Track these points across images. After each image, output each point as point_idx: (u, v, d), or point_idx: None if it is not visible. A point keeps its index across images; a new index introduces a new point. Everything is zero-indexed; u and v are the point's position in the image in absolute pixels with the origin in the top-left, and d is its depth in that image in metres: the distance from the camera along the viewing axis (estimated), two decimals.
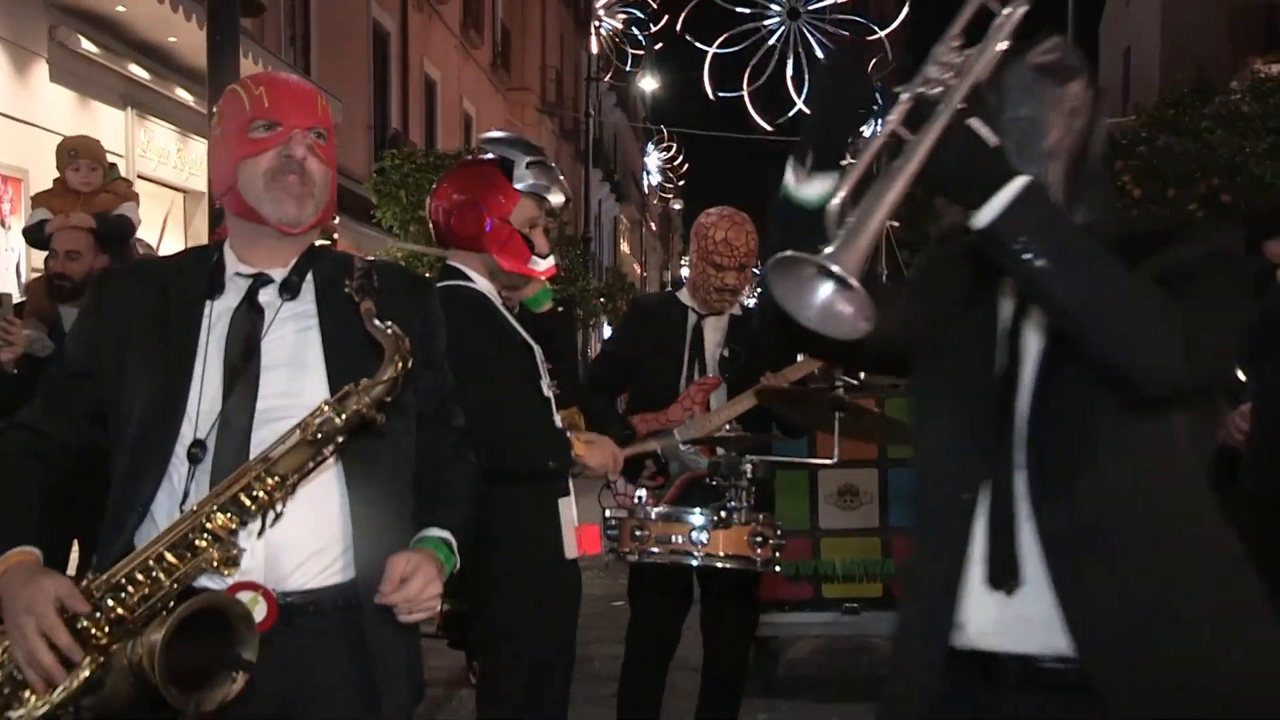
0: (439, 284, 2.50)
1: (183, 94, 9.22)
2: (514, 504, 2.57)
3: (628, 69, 22.97)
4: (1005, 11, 1.34)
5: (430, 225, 2.84)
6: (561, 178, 2.81)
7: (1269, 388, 3.92)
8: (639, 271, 38.00)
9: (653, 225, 44.91)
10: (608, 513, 3.06)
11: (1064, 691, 1.41)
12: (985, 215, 1.28)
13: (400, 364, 1.63)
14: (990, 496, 1.45)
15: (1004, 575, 1.43)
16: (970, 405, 1.50)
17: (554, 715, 2.75)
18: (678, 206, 41.96)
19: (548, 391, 2.75)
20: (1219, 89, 13.14)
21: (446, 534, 1.79)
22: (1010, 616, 1.43)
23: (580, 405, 3.25)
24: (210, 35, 5.28)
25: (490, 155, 2.77)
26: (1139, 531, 1.41)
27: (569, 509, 2.72)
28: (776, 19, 16.03)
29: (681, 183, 31.19)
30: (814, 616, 4.80)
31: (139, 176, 8.61)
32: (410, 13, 16.69)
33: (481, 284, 2.72)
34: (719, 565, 3.02)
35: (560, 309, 3.00)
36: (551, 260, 2.85)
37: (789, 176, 1.51)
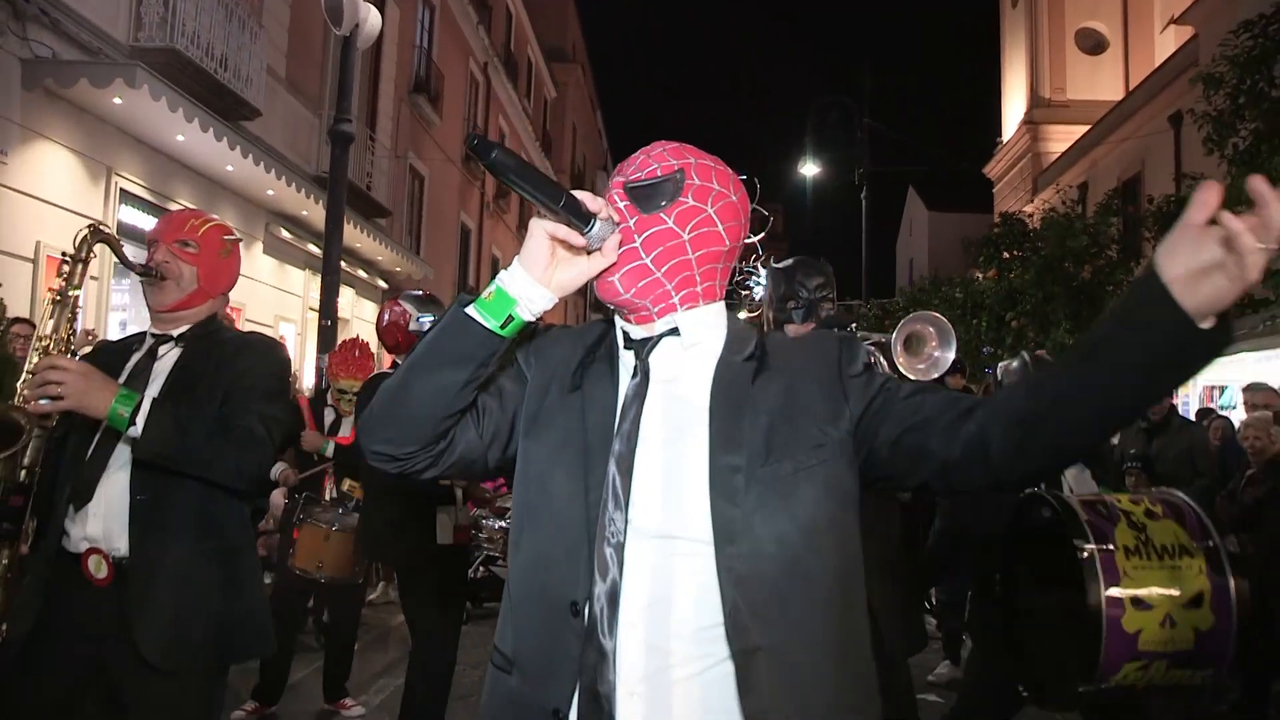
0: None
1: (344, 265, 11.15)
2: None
3: None
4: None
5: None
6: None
7: None
8: None
9: None
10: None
11: None
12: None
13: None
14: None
15: None
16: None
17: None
18: None
19: None
20: (945, 284, 20.61)
21: (146, 402, 2.13)
22: None
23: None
24: (327, 222, 8.46)
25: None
26: None
27: (446, 514, 3.87)
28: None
29: None
30: None
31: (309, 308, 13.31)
32: (485, 216, 23.38)
33: None
34: None
35: None
36: None
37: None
